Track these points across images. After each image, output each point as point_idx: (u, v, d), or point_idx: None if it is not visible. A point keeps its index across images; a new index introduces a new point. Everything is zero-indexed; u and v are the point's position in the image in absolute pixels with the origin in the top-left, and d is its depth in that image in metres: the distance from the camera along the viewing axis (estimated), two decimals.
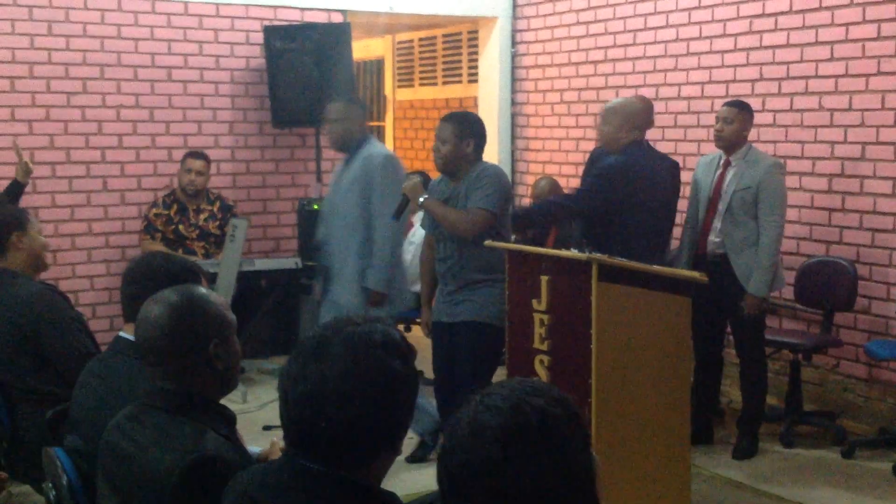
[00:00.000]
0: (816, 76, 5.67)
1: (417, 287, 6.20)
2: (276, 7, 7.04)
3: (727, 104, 5.23)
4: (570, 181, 7.04)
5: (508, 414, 1.43)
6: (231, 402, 2.28)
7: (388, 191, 4.83)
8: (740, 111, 5.12)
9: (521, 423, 1.42)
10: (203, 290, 2.29)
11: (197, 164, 6.43)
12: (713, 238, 5.15)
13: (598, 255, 3.85)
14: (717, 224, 5.12)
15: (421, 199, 4.53)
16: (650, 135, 6.51)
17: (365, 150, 5.02)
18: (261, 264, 6.57)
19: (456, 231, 4.45)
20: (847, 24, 5.49)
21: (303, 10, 7.12)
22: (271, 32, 6.79)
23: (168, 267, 2.64)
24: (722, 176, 5.16)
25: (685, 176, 5.73)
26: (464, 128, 4.48)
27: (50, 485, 2.47)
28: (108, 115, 6.54)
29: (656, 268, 4.18)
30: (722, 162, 5.19)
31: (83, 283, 6.51)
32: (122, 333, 2.68)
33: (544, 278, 4.03)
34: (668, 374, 4.01)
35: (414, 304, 6.29)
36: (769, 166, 5.06)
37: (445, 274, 4.58)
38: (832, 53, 5.59)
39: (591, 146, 6.54)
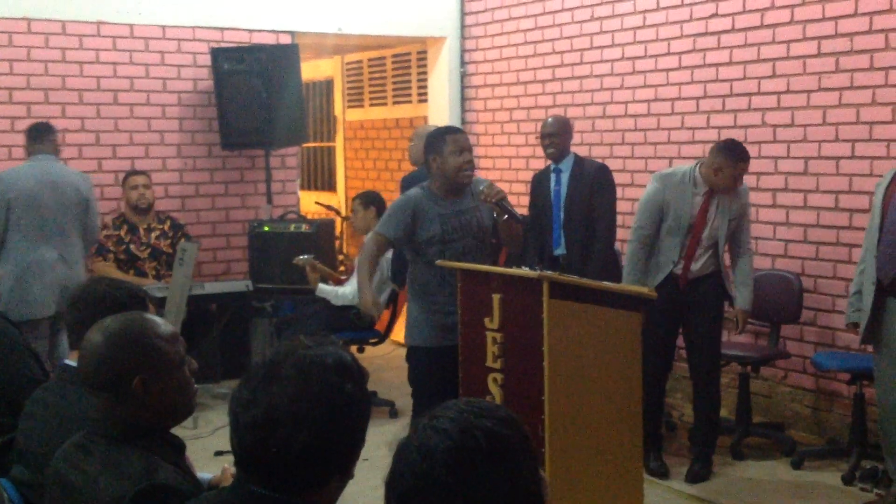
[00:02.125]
0: (759, 93, 5.78)
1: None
2: (223, 29, 7.01)
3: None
4: (522, 199, 7.08)
5: (457, 436, 1.43)
6: (182, 427, 2.25)
7: None
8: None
9: (471, 445, 1.42)
10: (149, 319, 2.23)
11: (140, 179, 6.46)
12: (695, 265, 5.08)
13: (548, 273, 3.88)
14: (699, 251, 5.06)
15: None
16: (596, 151, 6.61)
17: None
18: (211, 287, 6.53)
19: (519, 243, 4.68)
20: (788, 42, 5.61)
21: (250, 31, 7.10)
22: (219, 54, 6.76)
23: (113, 293, 2.60)
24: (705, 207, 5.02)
25: (635, 192, 5.82)
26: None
27: None
28: None
29: (606, 284, 4.21)
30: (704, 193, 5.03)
31: None
32: (67, 361, 2.64)
33: (496, 296, 4.04)
34: (620, 390, 4.04)
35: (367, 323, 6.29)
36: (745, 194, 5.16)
37: (451, 296, 4.38)
38: (774, 70, 5.69)
39: (540, 164, 6.59)
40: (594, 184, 5.52)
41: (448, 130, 4.54)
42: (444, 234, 4.37)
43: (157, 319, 2.24)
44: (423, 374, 4.45)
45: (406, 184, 5.66)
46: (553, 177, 5.66)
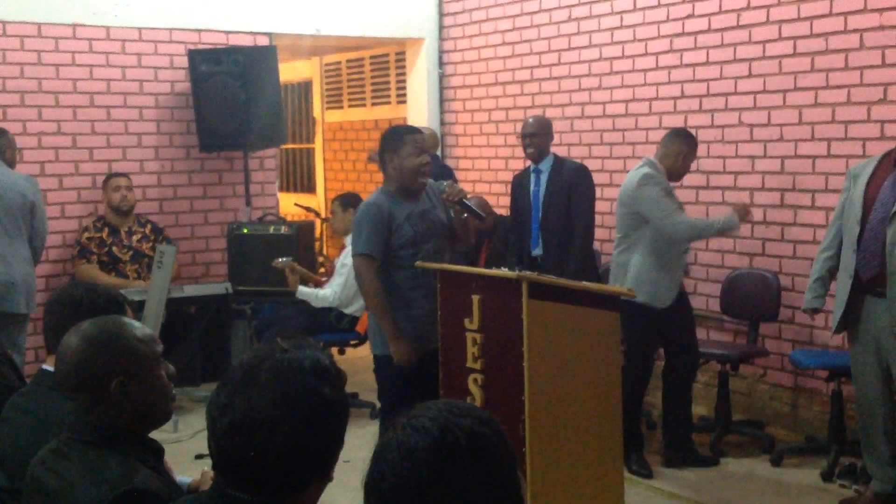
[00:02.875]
0: (736, 93, 5.81)
1: (354, 308, 6.21)
2: (200, 31, 6.99)
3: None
4: (501, 199, 7.10)
5: (437, 435, 1.43)
6: (162, 431, 2.24)
7: None
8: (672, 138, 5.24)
9: (451, 443, 1.43)
10: (126, 322, 2.22)
11: (123, 181, 6.47)
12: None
13: (527, 273, 3.89)
14: None
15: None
16: (575, 151, 6.63)
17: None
18: (190, 290, 6.51)
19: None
20: (764, 42, 5.64)
21: (227, 33, 7.08)
22: (196, 56, 6.74)
23: (90, 298, 2.59)
24: None
25: (614, 192, 5.84)
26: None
27: None
28: (29, 143, 6.43)
29: (585, 284, 4.23)
30: None
31: None
32: (45, 366, 2.62)
33: (475, 297, 4.04)
34: (600, 388, 4.05)
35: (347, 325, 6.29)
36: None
37: (429, 295, 4.31)
38: (750, 70, 5.73)
39: (519, 164, 6.61)
40: (572, 184, 5.53)
41: (409, 130, 4.43)
42: (416, 236, 4.27)
43: (134, 322, 2.24)
44: (395, 383, 4.31)
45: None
46: (532, 177, 5.68)
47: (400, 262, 4.29)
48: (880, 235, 4.36)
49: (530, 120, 5.77)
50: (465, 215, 4.36)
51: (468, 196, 4.36)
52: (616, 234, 5.18)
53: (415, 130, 4.45)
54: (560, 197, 5.53)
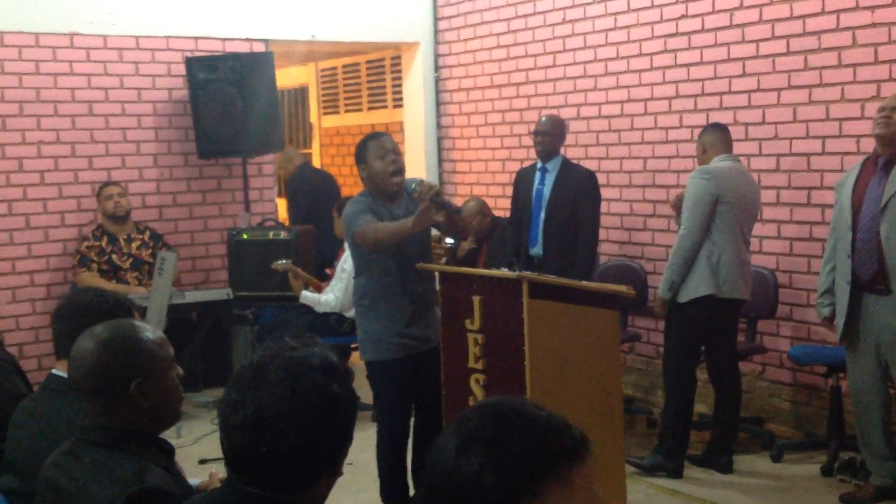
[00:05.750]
0: (730, 92, 5.86)
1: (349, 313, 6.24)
2: (196, 38, 7.02)
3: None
4: (498, 202, 7.14)
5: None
6: (166, 436, 2.27)
7: None
8: (699, 137, 5.25)
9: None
10: (138, 325, 2.26)
11: (114, 189, 6.50)
12: None
13: (527, 273, 3.93)
14: None
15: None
16: (571, 152, 6.66)
17: None
18: (191, 296, 6.53)
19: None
20: (757, 41, 5.69)
21: (224, 40, 7.11)
22: (193, 63, 6.77)
23: (100, 302, 2.63)
24: None
25: (610, 193, 5.87)
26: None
27: None
28: (28, 152, 6.45)
29: (584, 283, 4.26)
30: None
31: (9, 323, 6.38)
32: (55, 371, 2.65)
33: (476, 298, 4.08)
34: (601, 386, 4.09)
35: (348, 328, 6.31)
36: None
37: (426, 295, 4.34)
38: (744, 69, 5.77)
39: (516, 166, 6.64)
40: (580, 190, 5.57)
41: (370, 137, 4.42)
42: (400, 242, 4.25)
43: (145, 325, 2.27)
44: (389, 388, 4.33)
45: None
46: (538, 175, 5.71)
47: (384, 267, 4.30)
48: (874, 233, 4.41)
49: (543, 118, 5.81)
50: (444, 211, 4.24)
51: (440, 191, 4.22)
52: (743, 235, 5.05)
53: (376, 136, 4.44)
54: (566, 200, 5.56)
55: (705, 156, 5.14)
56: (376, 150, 4.29)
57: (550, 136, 5.67)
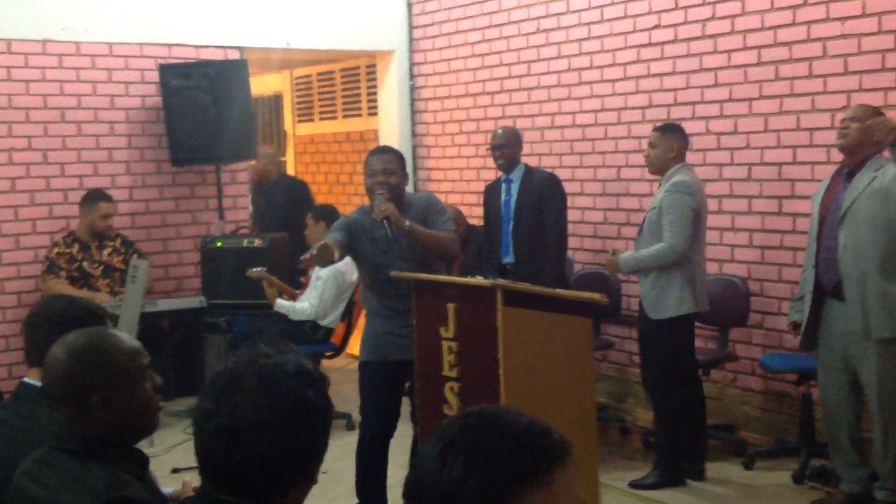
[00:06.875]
0: (702, 101, 5.90)
1: (330, 320, 6.24)
2: (170, 45, 6.99)
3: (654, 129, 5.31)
4: (473, 210, 7.15)
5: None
6: (138, 445, 2.25)
7: None
8: (662, 134, 5.12)
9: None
10: (112, 335, 2.23)
11: (111, 208, 6.43)
12: None
13: (502, 281, 3.93)
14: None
15: (407, 224, 4.27)
16: (546, 161, 6.70)
17: None
18: (163, 304, 6.50)
19: (447, 252, 4.41)
20: (729, 51, 5.74)
21: (198, 47, 7.09)
22: (167, 70, 6.74)
23: (71, 310, 2.60)
24: None
25: (585, 201, 5.90)
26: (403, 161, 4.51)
27: None
28: (0, 159, 6.39)
29: (558, 291, 4.27)
30: None
31: None
32: (26, 379, 2.63)
33: (451, 306, 4.08)
34: (575, 394, 4.09)
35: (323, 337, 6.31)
36: (668, 185, 5.03)
37: (403, 310, 4.37)
38: (716, 79, 5.82)
39: (491, 175, 6.66)
40: (543, 193, 5.60)
41: (371, 151, 4.52)
42: (375, 256, 4.37)
43: (121, 335, 2.25)
44: (364, 386, 4.52)
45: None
46: (504, 187, 5.74)
47: (365, 279, 4.54)
48: (835, 242, 4.47)
49: (499, 131, 5.84)
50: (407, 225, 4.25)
51: (392, 213, 4.22)
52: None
53: (375, 151, 4.52)
54: (531, 206, 5.60)
55: (669, 159, 5.04)
56: (368, 167, 4.39)
57: (509, 147, 5.71)
